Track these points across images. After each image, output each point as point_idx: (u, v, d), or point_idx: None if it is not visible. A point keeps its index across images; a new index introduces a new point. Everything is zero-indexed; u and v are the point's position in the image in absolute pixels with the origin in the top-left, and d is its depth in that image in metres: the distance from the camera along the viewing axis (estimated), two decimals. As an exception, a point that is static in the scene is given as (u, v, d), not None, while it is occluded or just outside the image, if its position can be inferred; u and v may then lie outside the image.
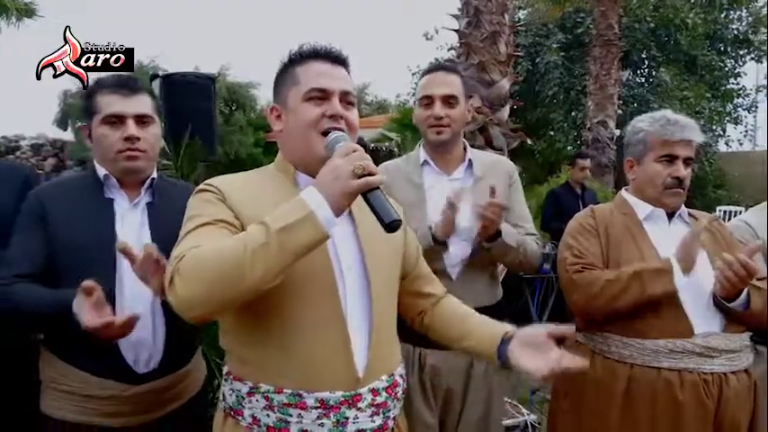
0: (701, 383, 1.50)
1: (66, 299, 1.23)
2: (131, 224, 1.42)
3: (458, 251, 1.71)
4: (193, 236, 1.05)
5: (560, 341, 1.10)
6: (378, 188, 0.98)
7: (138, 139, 1.42)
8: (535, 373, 1.07)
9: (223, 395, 1.17)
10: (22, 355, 1.53)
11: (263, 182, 1.18)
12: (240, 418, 1.11)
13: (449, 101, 1.75)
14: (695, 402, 1.49)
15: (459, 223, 1.63)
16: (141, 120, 1.44)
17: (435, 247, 1.64)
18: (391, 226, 0.98)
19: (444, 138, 1.75)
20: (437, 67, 1.88)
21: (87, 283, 1.17)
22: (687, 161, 1.67)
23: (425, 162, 1.80)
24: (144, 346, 1.37)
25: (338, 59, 1.19)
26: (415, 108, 1.83)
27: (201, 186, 1.15)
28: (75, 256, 1.34)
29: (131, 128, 1.41)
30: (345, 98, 1.16)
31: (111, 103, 1.42)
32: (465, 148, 1.83)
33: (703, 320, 1.55)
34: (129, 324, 1.21)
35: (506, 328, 1.19)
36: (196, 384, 1.52)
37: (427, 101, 1.75)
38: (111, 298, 1.28)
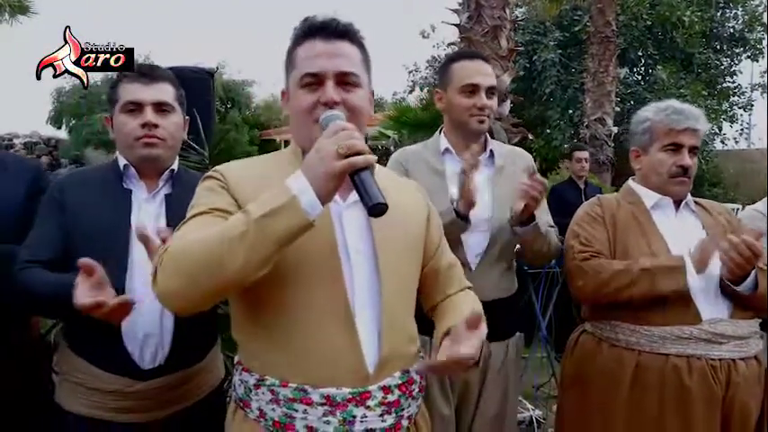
0: (709, 370, 1.50)
1: (69, 281, 1.22)
2: (148, 215, 1.40)
3: (476, 242, 1.69)
4: (186, 226, 1.03)
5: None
6: (366, 168, 0.91)
7: (156, 126, 1.41)
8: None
9: (234, 386, 1.14)
10: (35, 347, 1.53)
11: (274, 166, 1.13)
12: (248, 410, 1.07)
13: (491, 91, 1.74)
14: (703, 388, 1.49)
15: (478, 215, 1.62)
16: (160, 107, 1.43)
17: (459, 222, 1.60)
18: (374, 210, 0.91)
19: (485, 127, 1.75)
20: (475, 54, 1.86)
21: (85, 261, 1.15)
22: (692, 150, 1.67)
23: (447, 150, 1.79)
24: (150, 340, 1.34)
25: (337, 33, 1.08)
26: (451, 94, 1.75)
27: (208, 173, 1.12)
28: (88, 244, 1.32)
29: (149, 114, 1.40)
30: (344, 79, 1.07)
31: (130, 91, 1.42)
32: (486, 138, 1.82)
33: (711, 307, 1.55)
34: (124, 308, 1.18)
35: (452, 324, 1.09)
36: (209, 384, 1.47)
37: (472, 89, 1.72)
38: (122, 287, 1.27)
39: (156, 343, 1.35)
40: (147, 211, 1.41)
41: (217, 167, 1.13)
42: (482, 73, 1.74)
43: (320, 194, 0.91)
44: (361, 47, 1.13)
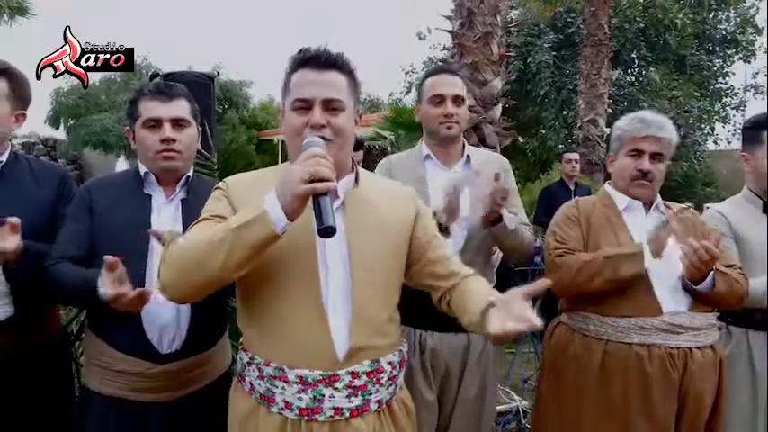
0: (668, 357, 1.65)
1: (93, 276, 1.37)
2: (166, 217, 1.55)
3: (454, 240, 1.83)
4: (191, 230, 1.19)
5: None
6: (325, 194, 1.03)
7: (174, 140, 1.55)
8: (490, 333, 1.06)
9: (236, 362, 1.33)
10: (58, 336, 1.70)
11: (271, 179, 1.24)
12: (243, 383, 1.27)
13: (457, 100, 1.91)
14: (662, 374, 1.65)
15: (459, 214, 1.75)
16: (177, 123, 1.57)
17: (439, 234, 1.73)
18: (323, 232, 1.03)
19: (454, 133, 1.92)
20: (442, 69, 2.04)
21: (109, 258, 1.30)
22: (655, 156, 1.81)
23: (428, 156, 1.96)
24: (169, 328, 1.49)
25: (326, 64, 1.21)
26: (423, 106, 1.96)
27: (216, 185, 1.30)
28: (113, 242, 1.46)
29: (168, 130, 1.54)
30: (329, 105, 1.19)
31: (150, 108, 1.55)
32: (464, 145, 1.99)
33: (671, 301, 1.70)
34: (141, 297, 1.34)
35: (486, 299, 1.15)
36: (218, 369, 1.61)
37: (438, 99, 1.90)
38: (142, 281, 1.42)
39: (174, 331, 1.50)
40: (165, 214, 1.56)
41: (225, 179, 1.30)
42: (446, 84, 1.92)
43: (286, 211, 1.05)
44: (350, 74, 1.25)
